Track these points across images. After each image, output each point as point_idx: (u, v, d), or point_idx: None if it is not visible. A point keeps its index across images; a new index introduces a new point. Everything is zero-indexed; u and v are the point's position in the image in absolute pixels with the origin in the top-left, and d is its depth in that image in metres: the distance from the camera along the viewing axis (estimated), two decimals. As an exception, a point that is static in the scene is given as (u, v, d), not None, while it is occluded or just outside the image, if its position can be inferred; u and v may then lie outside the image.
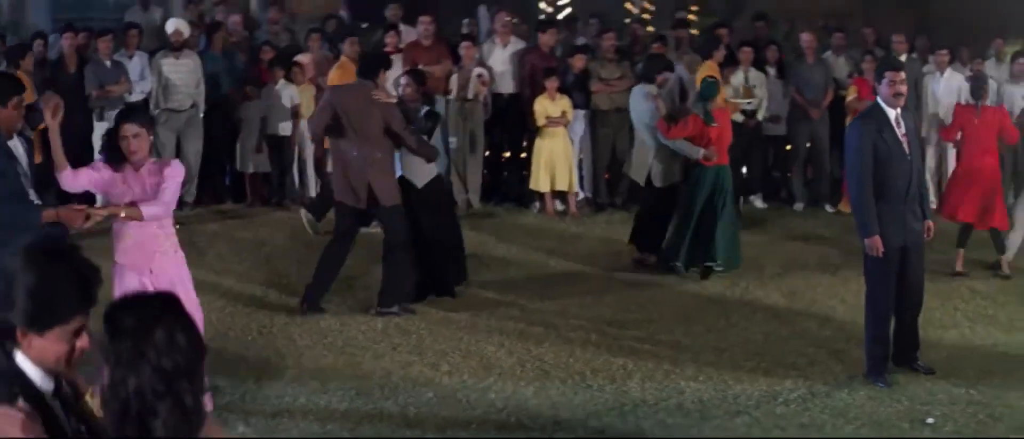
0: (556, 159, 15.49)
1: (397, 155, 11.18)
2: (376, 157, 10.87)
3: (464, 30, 17.57)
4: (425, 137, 11.25)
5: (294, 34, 17.30)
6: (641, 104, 13.26)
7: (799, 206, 16.26)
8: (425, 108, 11.62)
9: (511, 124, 16.43)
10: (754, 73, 15.68)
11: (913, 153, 9.21)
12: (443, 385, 9.17)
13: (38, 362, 3.55)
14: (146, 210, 7.84)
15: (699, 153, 12.50)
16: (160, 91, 15.35)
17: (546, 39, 16.56)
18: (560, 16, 21.19)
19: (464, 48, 15.94)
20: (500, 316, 11.06)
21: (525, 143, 16.33)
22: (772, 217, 15.90)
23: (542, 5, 24.62)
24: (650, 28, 20.18)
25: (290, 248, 13.18)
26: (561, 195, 15.83)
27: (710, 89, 12.69)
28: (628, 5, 23.32)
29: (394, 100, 11.23)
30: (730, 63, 15.19)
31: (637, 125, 13.45)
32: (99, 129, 14.87)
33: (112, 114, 14.79)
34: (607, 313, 11.21)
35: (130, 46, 15.86)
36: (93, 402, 3.68)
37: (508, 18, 16.68)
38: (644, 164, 13.18)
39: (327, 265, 11.14)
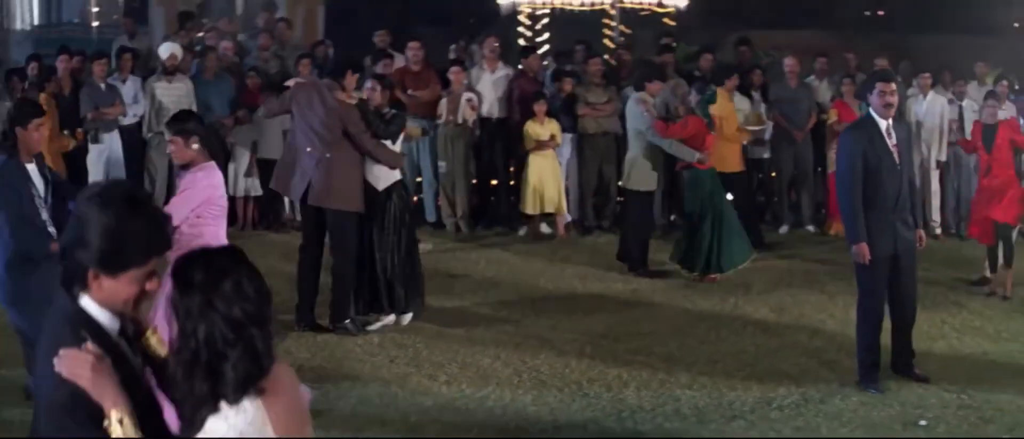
0: (545, 182, 15.63)
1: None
2: (326, 157, 10.88)
3: (452, 55, 17.70)
4: (389, 141, 11.23)
5: (284, 60, 17.40)
6: (633, 109, 13.48)
7: (784, 229, 16.41)
8: (392, 111, 11.51)
9: (500, 148, 16.58)
10: (738, 98, 15.86)
11: (903, 163, 9.37)
12: (442, 394, 9.31)
13: (106, 304, 3.62)
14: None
15: (695, 156, 12.73)
16: (153, 114, 15.49)
17: (532, 63, 16.83)
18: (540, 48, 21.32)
19: (453, 73, 16.08)
20: (495, 330, 11.19)
21: (512, 168, 16.48)
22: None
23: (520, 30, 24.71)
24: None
25: (283, 269, 13.22)
26: (549, 218, 15.96)
27: (711, 97, 12.91)
28: (607, 37, 23.47)
29: (354, 101, 11.17)
30: (742, 91, 15.52)
31: (630, 132, 13.63)
32: (94, 151, 15.03)
33: (106, 136, 15.09)
34: (600, 328, 11.32)
35: (124, 70, 16.03)
36: (154, 338, 3.79)
37: (496, 44, 16.82)
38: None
39: (302, 277, 11.27)
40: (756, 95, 16.27)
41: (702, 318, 11.83)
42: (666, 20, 24.29)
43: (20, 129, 8.23)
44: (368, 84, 11.64)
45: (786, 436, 8.48)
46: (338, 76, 11.21)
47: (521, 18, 25.50)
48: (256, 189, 16.13)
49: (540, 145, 15.61)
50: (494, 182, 17.05)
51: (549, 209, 15.79)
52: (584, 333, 11.11)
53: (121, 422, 3.42)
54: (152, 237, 3.63)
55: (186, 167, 8.24)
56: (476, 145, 16.38)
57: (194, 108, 15.18)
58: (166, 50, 15.98)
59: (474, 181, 16.56)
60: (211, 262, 3.49)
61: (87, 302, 3.64)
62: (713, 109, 13.82)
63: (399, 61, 16.52)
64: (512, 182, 16.54)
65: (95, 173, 15.13)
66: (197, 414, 3.43)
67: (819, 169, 16.38)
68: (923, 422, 8.74)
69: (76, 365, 3.45)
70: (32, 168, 8.29)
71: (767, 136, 16.27)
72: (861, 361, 9.52)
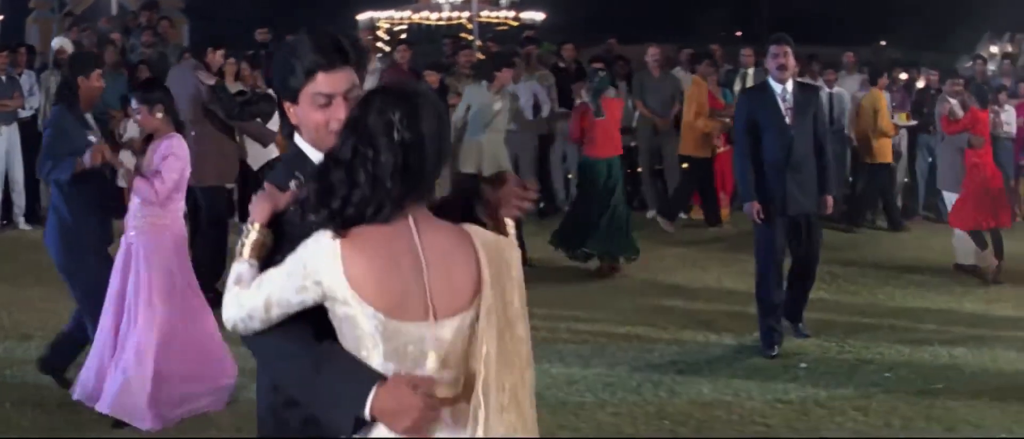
0: None
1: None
2: (191, 134, 10.71)
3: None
4: (259, 120, 11.27)
5: (166, 57, 17.43)
6: (476, 98, 13.11)
7: (651, 214, 16.63)
8: (265, 92, 11.53)
9: None
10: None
11: (798, 126, 9.42)
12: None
13: (309, 140, 3.64)
14: (136, 182, 7.83)
15: None
16: (47, 106, 15.31)
17: (402, 56, 16.94)
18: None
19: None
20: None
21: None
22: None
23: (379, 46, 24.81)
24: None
25: None
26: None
27: (602, 83, 13.01)
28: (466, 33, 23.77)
29: (211, 80, 11.37)
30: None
31: (472, 121, 13.04)
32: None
33: (5, 128, 15.02)
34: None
35: (19, 64, 15.93)
36: None
37: (368, 36, 16.96)
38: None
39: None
40: (622, 85, 16.54)
41: (580, 291, 11.98)
42: (527, 33, 24.53)
43: (82, 79, 8.11)
44: (242, 64, 11.85)
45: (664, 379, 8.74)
46: (200, 55, 11.51)
47: (380, 33, 25.52)
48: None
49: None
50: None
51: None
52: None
53: (253, 226, 3.46)
54: (313, 51, 3.55)
55: (150, 139, 8.11)
56: None
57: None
58: (57, 43, 16.25)
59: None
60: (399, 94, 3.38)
61: (298, 139, 3.69)
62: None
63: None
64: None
65: (-8, 163, 15.19)
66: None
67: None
68: (803, 365, 9.07)
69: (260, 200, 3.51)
70: (89, 118, 8.23)
71: (633, 124, 16.56)
72: (760, 324, 9.57)
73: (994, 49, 25.70)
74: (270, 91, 11.40)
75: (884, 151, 16.37)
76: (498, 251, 3.43)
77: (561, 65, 17.26)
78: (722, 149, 15.59)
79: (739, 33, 36.01)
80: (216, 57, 11.78)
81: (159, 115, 7.91)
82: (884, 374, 8.89)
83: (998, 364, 9.29)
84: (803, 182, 9.46)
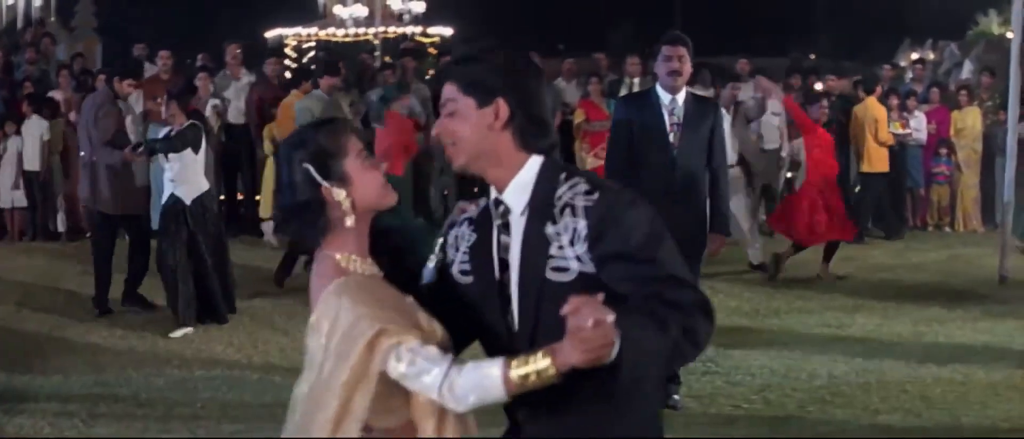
0: None
1: (167, 173, 11.07)
2: (91, 160, 11.43)
3: (199, 63, 17.22)
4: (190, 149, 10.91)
5: (48, 73, 17.71)
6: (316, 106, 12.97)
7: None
8: (189, 122, 11.08)
9: (245, 154, 16.34)
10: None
11: (685, 147, 7.92)
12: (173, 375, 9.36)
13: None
14: None
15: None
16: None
17: (272, 69, 16.71)
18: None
19: (199, 80, 15.59)
20: (234, 322, 11.13)
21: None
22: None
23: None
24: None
25: (50, 275, 13.45)
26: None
27: (389, 91, 12.87)
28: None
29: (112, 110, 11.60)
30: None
31: None
32: None
33: None
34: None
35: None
36: None
37: (238, 50, 16.75)
38: None
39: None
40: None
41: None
42: (431, 50, 24.42)
43: None
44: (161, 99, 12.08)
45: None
46: (108, 82, 11.88)
47: (288, 51, 25.44)
48: (21, 201, 16.39)
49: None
50: (240, 195, 16.80)
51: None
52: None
53: None
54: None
55: None
56: (222, 151, 15.98)
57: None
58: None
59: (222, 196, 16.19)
60: None
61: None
62: None
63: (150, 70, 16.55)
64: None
65: None
66: None
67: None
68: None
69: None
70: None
71: None
72: None
73: (915, 55, 25.36)
74: (194, 121, 11.10)
75: (881, 160, 16.11)
76: None
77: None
78: (592, 164, 14.66)
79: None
80: (123, 86, 11.76)
81: None
82: (751, 397, 8.26)
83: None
84: (693, 208, 7.92)
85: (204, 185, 11.09)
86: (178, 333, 10.61)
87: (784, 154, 16.01)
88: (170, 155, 10.80)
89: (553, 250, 3.16)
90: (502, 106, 3.22)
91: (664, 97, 7.91)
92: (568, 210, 3.16)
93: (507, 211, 3.28)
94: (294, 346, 9.93)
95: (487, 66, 3.28)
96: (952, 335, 10.34)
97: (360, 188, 3.30)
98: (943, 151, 17.37)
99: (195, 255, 10.80)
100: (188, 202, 10.80)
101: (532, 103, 3.28)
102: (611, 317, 2.80)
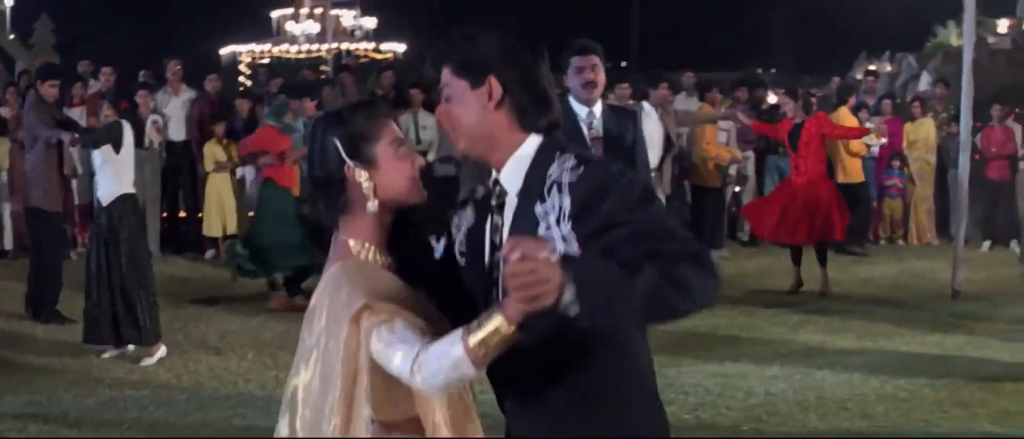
0: (226, 204, 15.34)
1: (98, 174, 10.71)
2: (27, 158, 11.88)
3: (141, 79, 16.91)
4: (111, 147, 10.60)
5: None
6: None
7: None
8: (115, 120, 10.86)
9: (186, 171, 16.18)
10: (424, 114, 15.40)
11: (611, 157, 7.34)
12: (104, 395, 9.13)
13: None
14: None
15: None
16: None
17: (213, 86, 16.55)
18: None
19: (139, 96, 15.25)
20: (167, 340, 10.56)
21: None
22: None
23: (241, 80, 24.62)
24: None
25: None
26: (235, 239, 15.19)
27: (282, 106, 12.87)
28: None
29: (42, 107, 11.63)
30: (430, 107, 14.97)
31: None
32: None
33: None
34: (268, 335, 11.05)
35: None
36: None
37: (178, 67, 16.57)
38: None
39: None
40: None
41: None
42: (345, 62, 24.56)
43: None
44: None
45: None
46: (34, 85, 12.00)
47: (242, 68, 25.50)
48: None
49: (219, 167, 15.35)
50: (182, 213, 16.57)
51: (232, 231, 15.21)
52: (251, 340, 10.85)
53: None
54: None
55: None
56: (163, 168, 15.84)
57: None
58: None
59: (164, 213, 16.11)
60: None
61: None
62: None
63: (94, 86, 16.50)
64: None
65: None
66: None
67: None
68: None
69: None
70: None
71: (433, 156, 15.72)
72: None
73: (872, 67, 25.33)
74: (119, 119, 10.82)
75: (855, 171, 15.94)
76: None
77: (379, 92, 16.74)
78: None
79: (622, 63, 35.76)
80: (45, 87, 11.75)
81: None
82: (684, 417, 7.96)
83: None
84: None
85: (127, 188, 10.58)
86: (152, 360, 10.07)
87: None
88: (94, 153, 10.57)
89: (541, 230, 3.03)
90: (494, 84, 3.13)
91: (580, 110, 7.47)
92: (556, 187, 3.05)
93: (503, 192, 3.19)
94: (225, 366, 9.90)
95: (477, 45, 3.18)
96: (899, 350, 10.10)
97: (386, 176, 3.25)
98: (895, 164, 17.28)
99: (108, 262, 10.27)
100: (105, 203, 10.38)
101: (527, 78, 3.18)
102: (544, 253, 2.65)
